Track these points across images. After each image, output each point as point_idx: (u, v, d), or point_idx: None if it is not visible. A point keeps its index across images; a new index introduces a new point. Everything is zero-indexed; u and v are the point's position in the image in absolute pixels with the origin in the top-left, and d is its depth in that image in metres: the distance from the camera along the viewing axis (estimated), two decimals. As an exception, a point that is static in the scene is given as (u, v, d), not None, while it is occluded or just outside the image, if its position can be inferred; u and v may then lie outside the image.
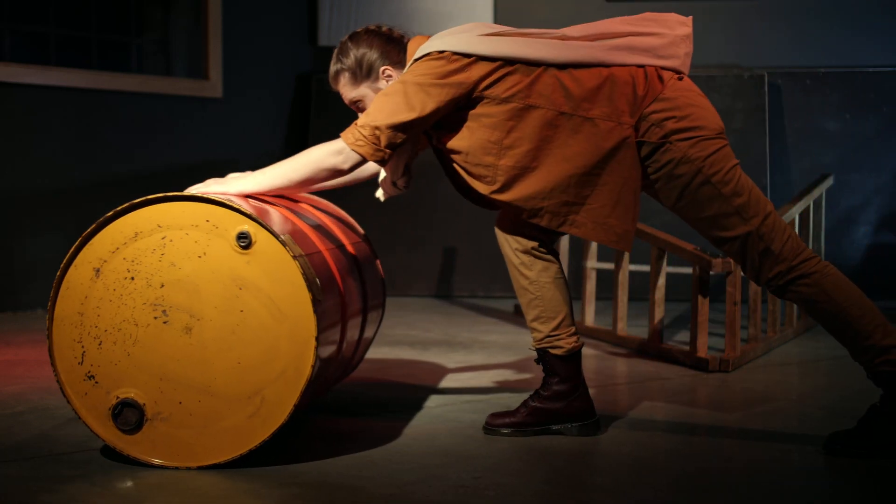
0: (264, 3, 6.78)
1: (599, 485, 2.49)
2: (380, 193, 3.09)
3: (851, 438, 2.71)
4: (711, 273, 4.00)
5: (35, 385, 3.51)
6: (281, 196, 2.94)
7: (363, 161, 2.73)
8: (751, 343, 4.40)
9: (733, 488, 2.47)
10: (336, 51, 2.95)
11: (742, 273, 3.29)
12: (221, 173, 2.96)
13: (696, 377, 3.87)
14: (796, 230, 4.68)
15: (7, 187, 5.47)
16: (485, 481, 2.46)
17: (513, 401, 3.29)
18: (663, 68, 2.80)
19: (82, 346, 2.54)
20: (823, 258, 5.33)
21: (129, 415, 2.53)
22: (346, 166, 2.73)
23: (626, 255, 4.60)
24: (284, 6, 6.93)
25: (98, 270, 2.54)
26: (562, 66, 2.76)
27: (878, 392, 2.84)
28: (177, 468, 2.53)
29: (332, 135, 2.85)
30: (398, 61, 2.92)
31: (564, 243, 5.27)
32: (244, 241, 2.51)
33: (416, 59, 2.79)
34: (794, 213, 4.61)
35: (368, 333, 3.25)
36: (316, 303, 2.51)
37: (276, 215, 2.67)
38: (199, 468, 2.53)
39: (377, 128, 2.69)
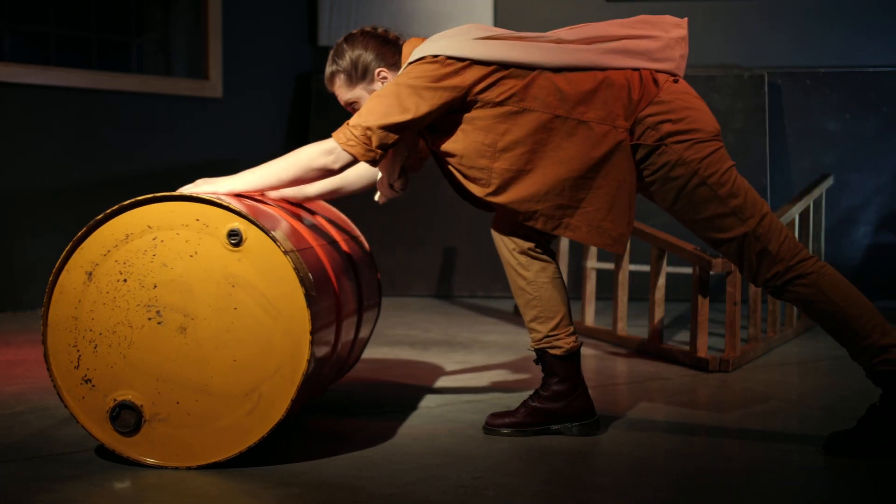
0: (264, 3, 6.78)
1: (599, 485, 2.49)
2: (377, 196, 3.09)
3: (851, 438, 2.71)
4: (711, 273, 4.00)
5: (35, 385, 3.51)
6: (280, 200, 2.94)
7: (354, 161, 2.73)
8: (751, 343, 4.40)
9: (733, 488, 2.47)
10: (332, 52, 2.95)
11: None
12: (221, 173, 2.96)
13: (696, 377, 3.87)
14: (796, 230, 4.68)
15: (7, 187, 5.47)
16: (485, 481, 2.46)
17: (513, 401, 3.29)
18: (659, 71, 2.81)
19: (77, 351, 2.54)
20: (823, 258, 5.34)
21: (127, 417, 2.53)
22: (336, 166, 2.73)
23: (626, 255, 4.60)
24: (284, 6, 6.93)
25: (90, 274, 2.54)
26: (556, 70, 2.76)
27: (877, 392, 2.84)
28: (176, 468, 2.53)
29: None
30: (393, 63, 2.92)
31: (564, 243, 5.27)
32: (235, 238, 2.51)
33: (411, 63, 2.79)
34: (794, 213, 4.61)
35: (364, 333, 3.24)
36: (309, 297, 2.51)
37: (266, 212, 2.67)
38: (199, 467, 2.53)
39: (369, 128, 2.69)
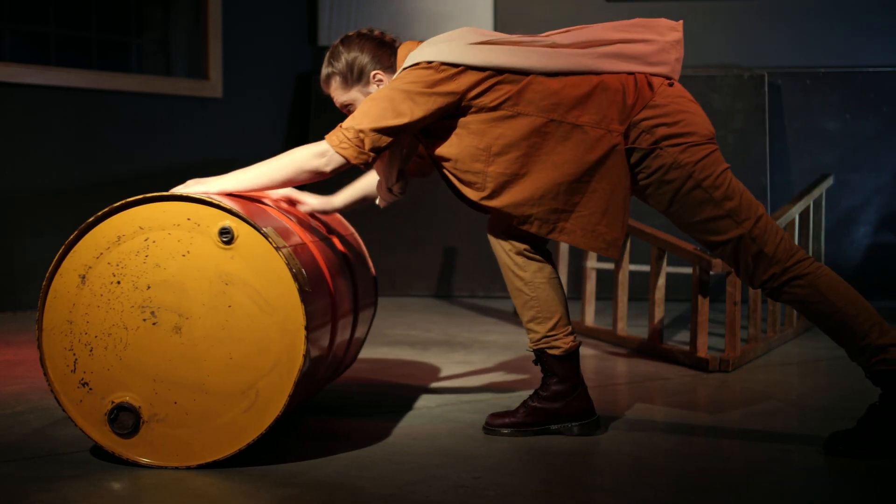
0: (264, 3, 6.78)
1: (599, 485, 2.49)
2: (378, 200, 3.09)
3: (851, 438, 2.71)
4: (711, 273, 4.00)
5: (35, 385, 3.51)
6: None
7: (347, 164, 2.72)
8: (751, 343, 4.40)
9: (733, 488, 2.47)
10: (328, 54, 2.95)
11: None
12: (220, 173, 2.96)
13: (696, 377, 3.87)
14: (796, 230, 4.68)
15: (7, 187, 5.47)
16: (485, 481, 2.46)
17: (513, 401, 3.29)
18: (654, 75, 2.81)
19: (74, 354, 2.54)
20: (823, 258, 5.34)
21: (125, 419, 2.53)
22: (328, 168, 2.72)
23: (626, 256, 4.60)
24: (284, 6, 6.93)
25: (84, 277, 2.54)
26: (551, 74, 2.76)
27: (877, 392, 2.84)
28: (176, 468, 2.53)
29: (332, 135, 2.84)
30: (389, 66, 2.91)
31: (564, 243, 5.27)
32: (226, 236, 2.51)
33: (406, 68, 2.78)
34: (794, 213, 4.61)
35: (360, 332, 3.24)
36: (303, 292, 2.51)
37: (258, 210, 2.67)
38: (198, 467, 2.53)
39: (361, 131, 2.69)
